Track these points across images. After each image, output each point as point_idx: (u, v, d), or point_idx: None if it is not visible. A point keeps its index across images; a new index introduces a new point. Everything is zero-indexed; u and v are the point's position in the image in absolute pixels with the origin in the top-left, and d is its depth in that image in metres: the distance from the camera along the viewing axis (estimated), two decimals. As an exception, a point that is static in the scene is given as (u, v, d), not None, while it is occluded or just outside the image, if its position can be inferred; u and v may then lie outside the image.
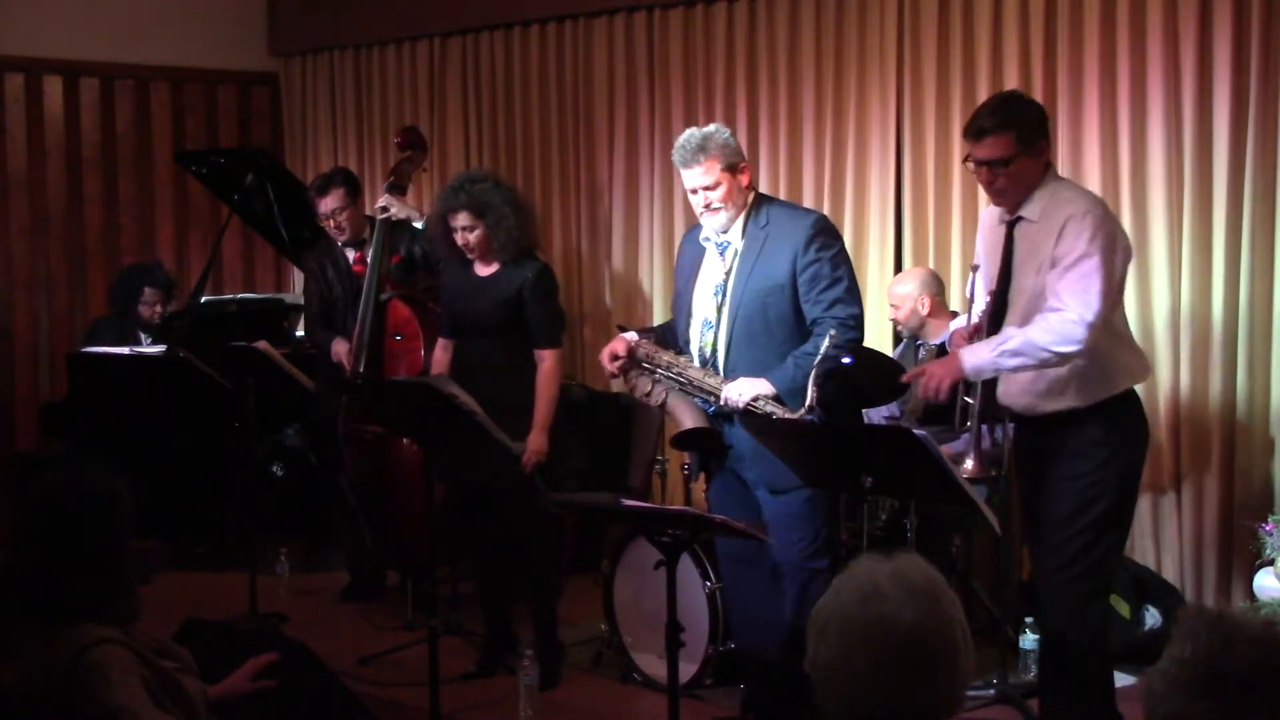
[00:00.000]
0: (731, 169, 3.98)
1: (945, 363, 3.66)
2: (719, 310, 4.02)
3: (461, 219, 4.72)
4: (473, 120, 7.10)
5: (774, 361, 3.92)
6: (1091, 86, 5.12)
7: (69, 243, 7.44)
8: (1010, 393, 3.82)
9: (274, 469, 6.55)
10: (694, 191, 4.02)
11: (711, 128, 4.05)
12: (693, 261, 4.16)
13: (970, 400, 3.79)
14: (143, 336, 6.66)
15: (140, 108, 7.64)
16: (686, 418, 4.02)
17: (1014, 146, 3.66)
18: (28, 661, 2.59)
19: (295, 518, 6.52)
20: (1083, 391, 3.66)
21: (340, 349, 5.57)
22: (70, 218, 7.43)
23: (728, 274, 4.02)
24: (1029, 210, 3.71)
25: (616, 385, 6.50)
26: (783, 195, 5.82)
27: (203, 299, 6.67)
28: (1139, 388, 3.83)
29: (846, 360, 3.83)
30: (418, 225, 5.49)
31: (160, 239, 7.71)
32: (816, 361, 3.75)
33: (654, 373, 4.07)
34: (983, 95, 5.25)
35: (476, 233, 4.72)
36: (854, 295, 3.98)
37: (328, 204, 5.62)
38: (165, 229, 7.74)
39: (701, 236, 4.09)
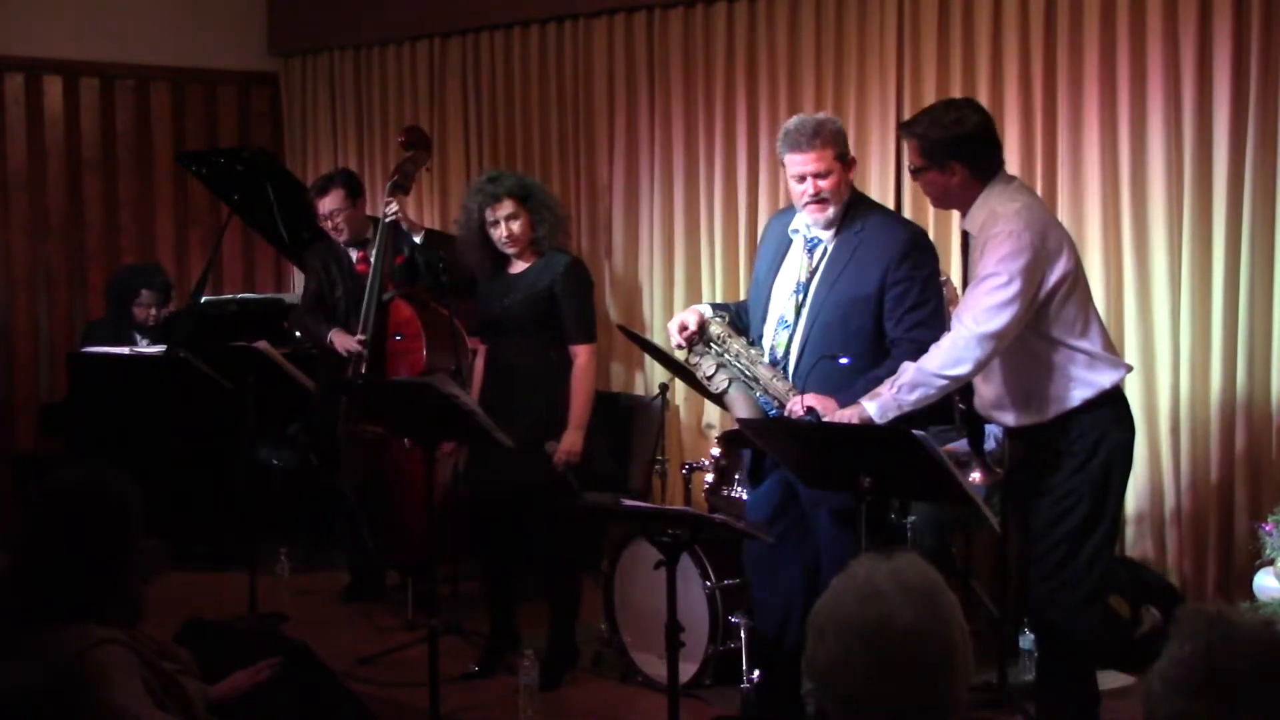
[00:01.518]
0: (842, 159, 3.81)
1: (850, 409, 3.58)
2: (797, 311, 3.86)
3: (505, 207, 4.65)
4: (473, 120, 7.10)
5: (846, 376, 3.78)
6: (1091, 86, 5.12)
7: (69, 243, 7.44)
8: (982, 406, 3.83)
9: (275, 467, 6.55)
10: (801, 179, 3.78)
11: (823, 115, 3.89)
12: (776, 250, 3.97)
13: (964, 407, 3.80)
14: (138, 338, 6.66)
15: (140, 108, 7.64)
16: (743, 415, 3.82)
17: (919, 159, 3.64)
18: (29, 661, 2.59)
19: (295, 518, 6.52)
20: (1034, 409, 3.65)
21: (340, 340, 5.55)
22: (70, 218, 7.44)
23: (812, 274, 3.86)
24: (970, 223, 3.70)
25: (617, 384, 6.52)
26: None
27: (203, 299, 6.67)
28: (1135, 390, 3.82)
29: (844, 360, 3.79)
30: (416, 239, 5.42)
31: (160, 239, 7.72)
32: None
33: (721, 356, 3.90)
34: (983, 95, 5.26)
35: (520, 221, 4.66)
36: (938, 319, 3.83)
37: (326, 205, 5.61)
38: (165, 229, 7.74)
39: (791, 228, 3.93)
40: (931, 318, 3.79)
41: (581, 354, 4.68)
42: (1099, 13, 5.10)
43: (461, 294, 5.12)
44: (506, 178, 4.77)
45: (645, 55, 6.44)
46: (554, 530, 4.73)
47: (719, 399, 4.03)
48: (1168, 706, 1.70)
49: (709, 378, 3.92)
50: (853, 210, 3.87)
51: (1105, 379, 3.67)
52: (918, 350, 3.70)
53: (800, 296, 3.86)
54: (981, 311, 3.52)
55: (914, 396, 3.55)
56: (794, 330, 3.85)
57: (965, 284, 3.80)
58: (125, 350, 6.46)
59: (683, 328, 3.92)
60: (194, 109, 7.82)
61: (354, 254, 5.71)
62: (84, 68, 7.42)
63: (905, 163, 5.52)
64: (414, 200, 6.95)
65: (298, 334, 6.26)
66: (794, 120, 3.86)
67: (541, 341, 4.70)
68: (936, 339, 3.73)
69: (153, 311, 6.70)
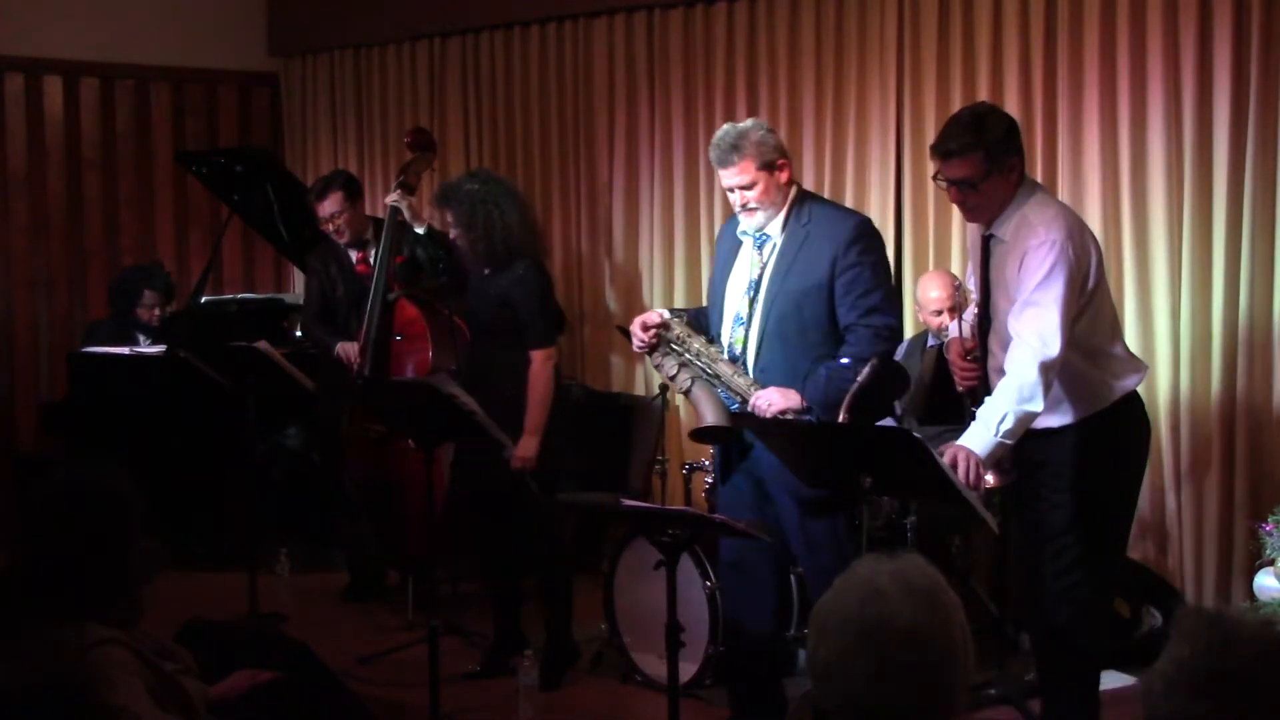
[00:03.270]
0: (769, 167, 3.85)
1: (965, 454, 3.47)
2: (751, 306, 3.90)
3: (450, 220, 4.75)
4: (473, 120, 7.10)
5: (807, 364, 3.82)
6: (1091, 86, 5.12)
7: (69, 243, 7.44)
8: None
9: (274, 468, 6.55)
10: (730, 190, 3.90)
11: (748, 123, 3.92)
12: (729, 252, 4.03)
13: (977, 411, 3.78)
14: (141, 338, 6.66)
15: (140, 108, 7.64)
16: (709, 412, 3.86)
17: (983, 166, 3.59)
18: (29, 661, 2.59)
19: (295, 518, 6.52)
20: (1068, 411, 3.63)
21: (347, 350, 5.55)
22: (70, 218, 7.44)
23: (763, 269, 3.91)
24: (1002, 229, 3.66)
25: (617, 384, 6.52)
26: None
27: (203, 299, 6.67)
28: (1140, 389, 3.82)
29: (865, 369, 3.77)
30: (419, 230, 5.45)
31: (160, 239, 7.71)
32: (854, 390, 3.66)
33: (683, 355, 3.94)
34: (982, 95, 5.26)
35: (458, 232, 4.74)
36: (891, 304, 3.89)
37: (326, 208, 5.61)
38: (165, 229, 7.74)
39: (739, 230, 3.97)
40: (885, 303, 3.85)
41: (535, 359, 4.66)
42: (1099, 13, 5.10)
43: (462, 293, 5.12)
44: (440, 192, 4.83)
45: (645, 55, 6.44)
46: (538, 530, 4.73)
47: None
48: (1168, 706, 1.70)
49: (672, 378, 3.97)
50: (798, 205, 3.93)
51: (1132, 380, 3.71)
52: (875, 336, 3.78)
53: (753, 293, 3.92)
54: (1049, 334, 3.48)
55: (1020, 431, 3.50)
56: (749, 325, 3.91)
57: (984, 286, 3.76)
58: (125, 350, 6.46)
59: (645, 328, 3.96)
60: (194, 109, 7.81)
61: (354, 254, 5.72)
62: (84, 68, 7.42)
63: (905, 165, 5.62)
64: (416, 201, 6.94)
65: (299, 333, 6.25)
66: (718, 133, 3.92)
67: (504, 345, 4.72)
68: (890, 323, 3.83)
69: (156, 312, 6.71)
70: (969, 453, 3.45)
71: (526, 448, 4.60)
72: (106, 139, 7.54)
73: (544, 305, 4.75)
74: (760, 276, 3.91)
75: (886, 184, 5.68)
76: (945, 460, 3.41)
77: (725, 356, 3.93)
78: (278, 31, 7.90)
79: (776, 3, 5.99)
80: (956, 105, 5.44)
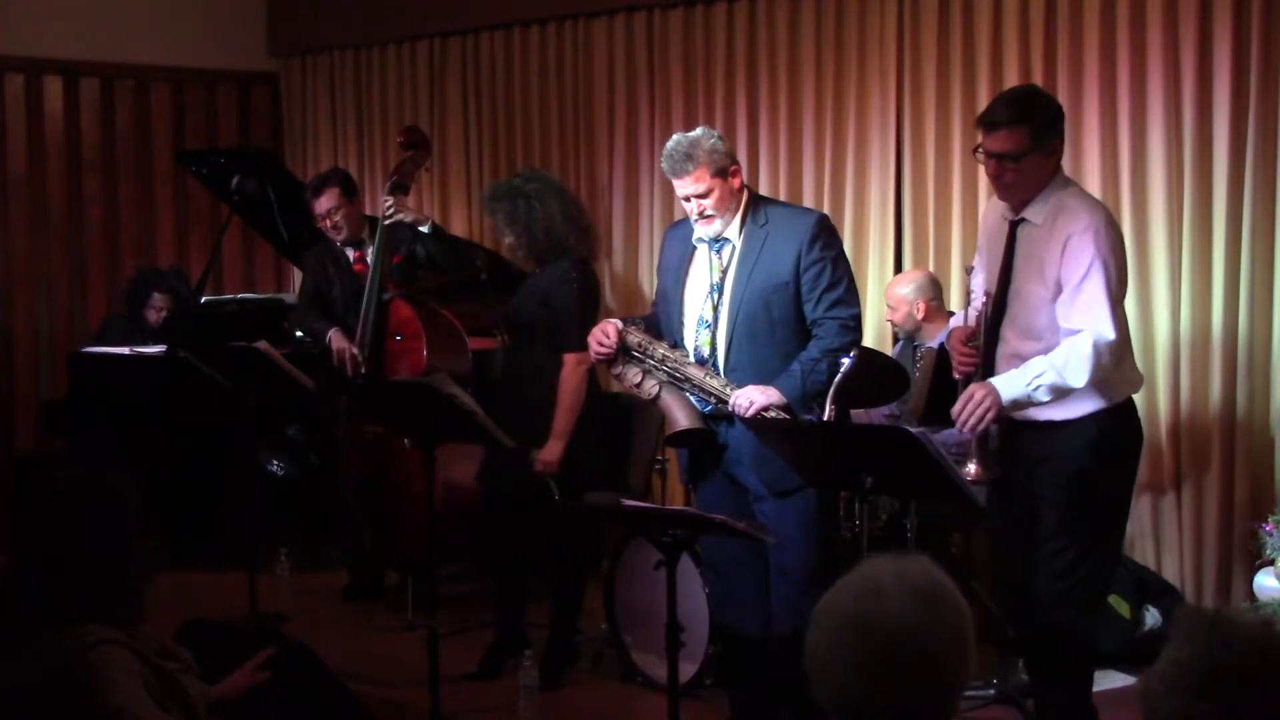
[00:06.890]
0: (722, 174, 3.88)
1: (986, 393, 3.50)
2: (715, 309, 3.94)
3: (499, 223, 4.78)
4: (473, 120, 7.10)
5: (777, 362, 3.86)
6: (1091, 86, 5.12)
7: (69, 243, 7.44)
8: None
9: (274, 469, 6.55)
10: (686, 200, 3.92)
11: (698, 132, 3.94)
12: (681, 258, 4.06)
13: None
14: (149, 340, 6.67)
15: (140, 108, 7.64)
16: (682, 416, 3.91)
17: (1027, 142, 3.59)
18: (29, 661, 2.59)
19: (295, 518, 6.51)
20: (1071, 405, 3.62)
21: (338, 341, 5.54)
22: (70, 218, 7.44)
23: (725, 272, 3.94)
24: (1033, 213, 3.64)
25: (617, 384, 6.52)
26: (783, 195, 5.83)
27: (203, 299, 6.67)
28: (1140, 389, 3.82)
29: (846, 360, 3.81)
30: (424, 229, 5.42)
31: (160, 239, 7.72)
32: (836, 383, 3.70)
33: (644, 363, 3.96)
34: (983, 95, 5.26)
35: (507, 235, 4.76)
36: (854, 296, 3.95)
37: (324, 204, 5.61)
38: (165, 229, 7.74)
39: (695, 238, 4.00)
40: (847, 294, 3.92)
41: (566, 363, 4.63)
42: (1099, 13, 5.10)
43: (463, 293, 5.12)
44: (485, 200, 4.86)
45: (645, 55, 6.44)
46: (551, 533, 4.73)
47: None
48: (1168, 706, 1.70)
49: (636, 386, 3.97)
50: (753, 208, 3.97)
51: (1135, 380, 3.71)
52: (842, 328, 3.85)
53: (716, 296, 3.94)
54: (1104, 317, 3.50)
55: (1048, 398, 3.52)
56: (715, 328, 3.93)
57: (1004, 276, 3.74)
58: (125, 350, 6.46)
59: (601, 340, 3.96)
60: (194, 109, 7.82)
61: (351, 254, 5.72)
62: (84, 68, 7.43)
63: (905, 165, 5.62)
64: (414, 200, 6.94)
65: (299, 334, 6.26)
66: (670, 143, 3.94)
67: (538, 345, 4.70)
68: (855, 313, 3.89)
69: (163, 314, 6.72)
70: (991, 391, 3.46)
71: (551, 451, 4.58)
72: (106, 139, 7.54)
73: (582, 307, 4.67)
74: (723, 279, 3.94)
75: (886, 184, 5.68)
76: (965, 394, 3.48)
77: (692, 360, 3.95)
78: (278, 31, 7.90)
79: (776, 3, 5.99)
80: (956, 105, 5.45)
